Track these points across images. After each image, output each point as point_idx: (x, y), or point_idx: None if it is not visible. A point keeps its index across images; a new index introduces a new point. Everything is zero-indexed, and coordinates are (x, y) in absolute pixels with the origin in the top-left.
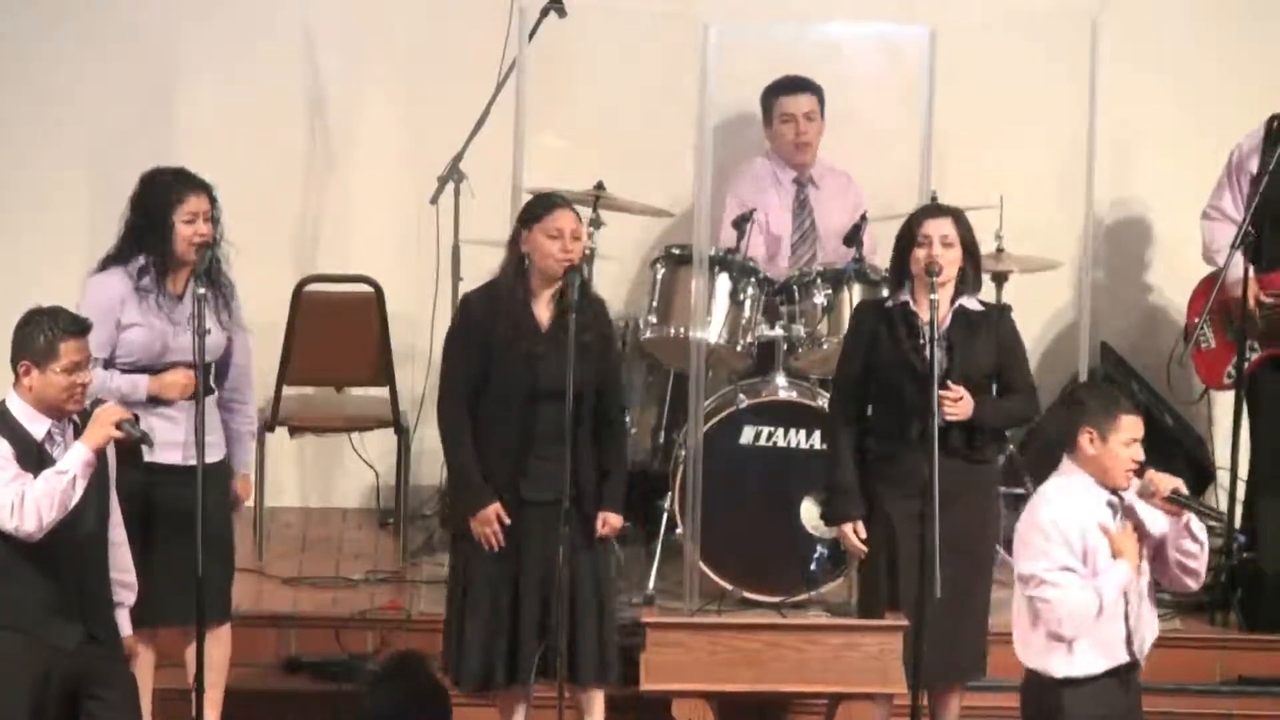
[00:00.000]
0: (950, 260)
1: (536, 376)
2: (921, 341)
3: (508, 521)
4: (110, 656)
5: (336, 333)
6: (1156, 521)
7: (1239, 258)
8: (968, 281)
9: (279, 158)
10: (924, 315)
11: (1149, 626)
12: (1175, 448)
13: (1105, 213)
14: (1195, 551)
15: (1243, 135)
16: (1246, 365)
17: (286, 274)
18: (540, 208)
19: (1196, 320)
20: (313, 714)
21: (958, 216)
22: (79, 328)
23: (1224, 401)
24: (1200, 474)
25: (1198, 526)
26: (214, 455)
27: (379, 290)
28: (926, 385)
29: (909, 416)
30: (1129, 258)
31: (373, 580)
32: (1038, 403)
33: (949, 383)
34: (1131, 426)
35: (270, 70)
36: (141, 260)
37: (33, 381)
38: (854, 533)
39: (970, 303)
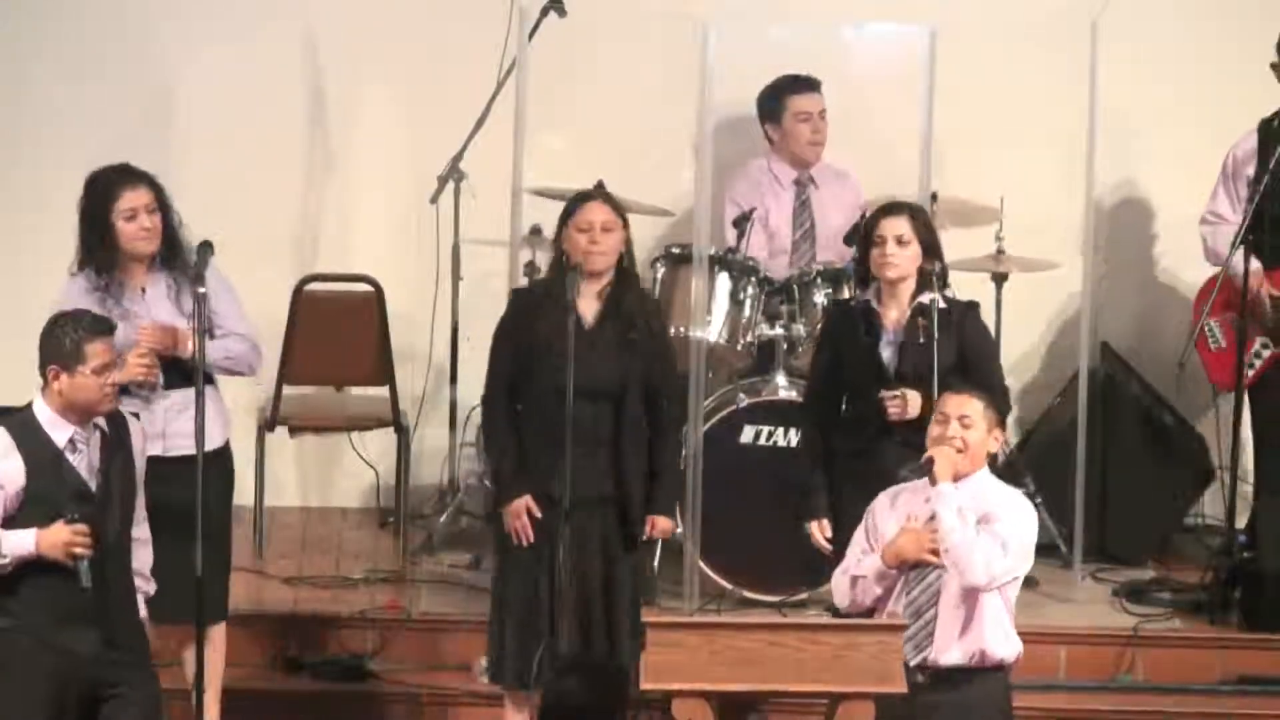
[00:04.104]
0: (905, 259)
1: (575, 375)
2: (883, 341)
3: (538, 515)
4: (130, 659)
5: (336, 332)
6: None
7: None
8: (929, 281)
9: (279, 158)
10: (887, 315)
11: (947, 642)
12: (1175, 448)
13: (1105, 212)
14: (940, 531)
15: (1237, 138)
16: (1259, 364)
17: (286, 274)
18: (573, 202)
19: (1201, 321)
20: (313, 714)
21: (915, 214)
22: (104, 328)
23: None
24: (1200, 474)
25: (937, 501)
26: (209, 443)
27: (379, 290)
28: (886, 385)
29: (874, 415)
30: (1129, 257)
31: (373, 580)
32: (1008, 400)
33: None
34: (940, 402)
35: (270, 70)
36: (96, 262)
37: (62, 385)
38: (819, 531)
39: (935, 300)
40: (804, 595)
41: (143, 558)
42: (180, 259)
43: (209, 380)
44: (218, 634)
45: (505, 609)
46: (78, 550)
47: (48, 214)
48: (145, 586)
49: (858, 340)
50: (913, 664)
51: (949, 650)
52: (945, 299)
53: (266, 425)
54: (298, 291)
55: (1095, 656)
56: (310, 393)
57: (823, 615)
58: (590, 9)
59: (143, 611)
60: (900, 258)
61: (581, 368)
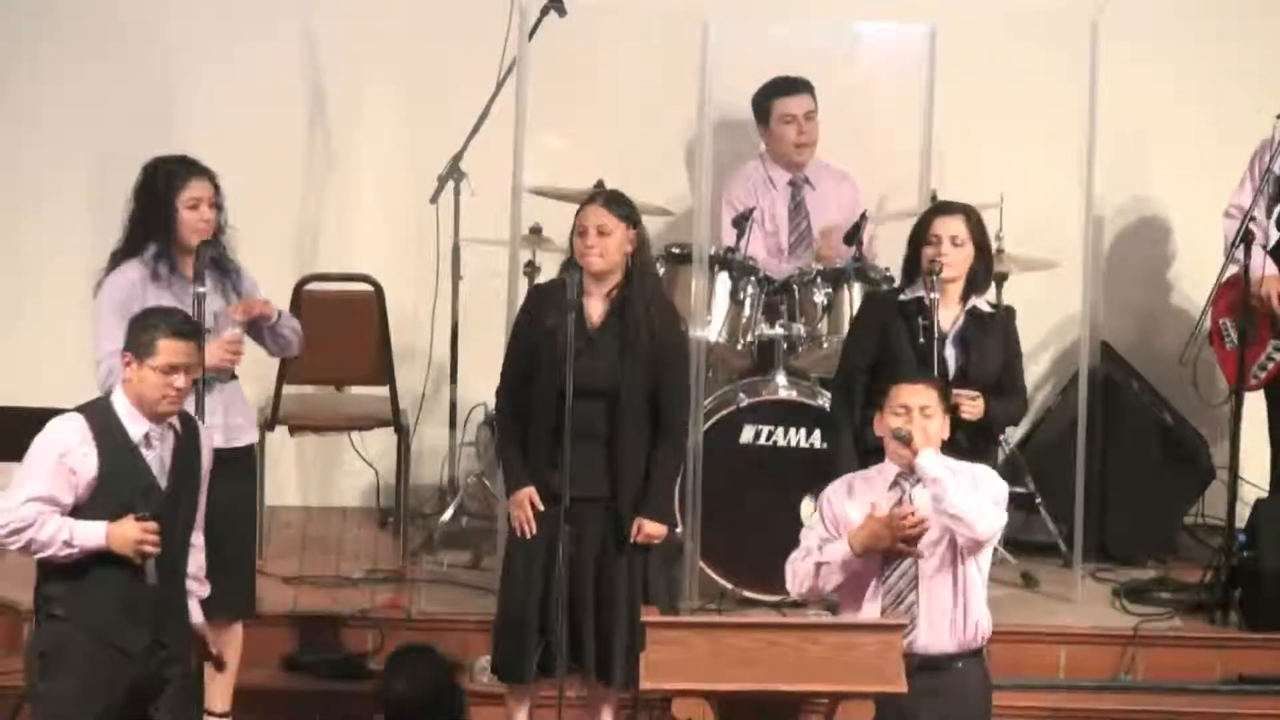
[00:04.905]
0: (959, 260)
1: (575, 374)
2: (935, 338)
3: (541, 508)
4: (175, 656)
5: (336, 332)
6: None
7: (1266, 256)
8: (978, 281)
9: (279, 157)
10: (940, 315)
11: (930, 627)
12: (1175, 448)
13: (1105, 212)
14: (939, 494)
15: (1251, 133)
16: (1271, 366)
17: (286, 274)
18: (580, 205)
19: (1221, 321)
20: (313, 713)
21: (970, 215)
22: (183, 329)
23: (1249, 401)
24: (1201, 474)
25: (926, 464)
26: (242, 439)
27: (379, 290)
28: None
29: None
30: (1129, 257)
31: (373, 579)
32: (1026, 402)
33: (965, 386)
34: (896, 394)
35: (270, 70)
36: (153, 248)
37: (132, 374)
38: None
39: (980, 303)
40: None
41: (197, 560)
42: (226, 258)
43: (233, 376)
44: (236, 628)
45: (505, 605)
46: (147, 549)
47: (48, 214)
48: (199, 590)
49: (911, 336)
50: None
51: (934, 630)
52: (989, 303)
53: (266, 425)
54: (298, 291)
55: (1095, 656)
56: (310, 392)
57: (823, 615)
58: (590, 9)
59: (197, 614)
60: (954, 258)
61: (580, 367)
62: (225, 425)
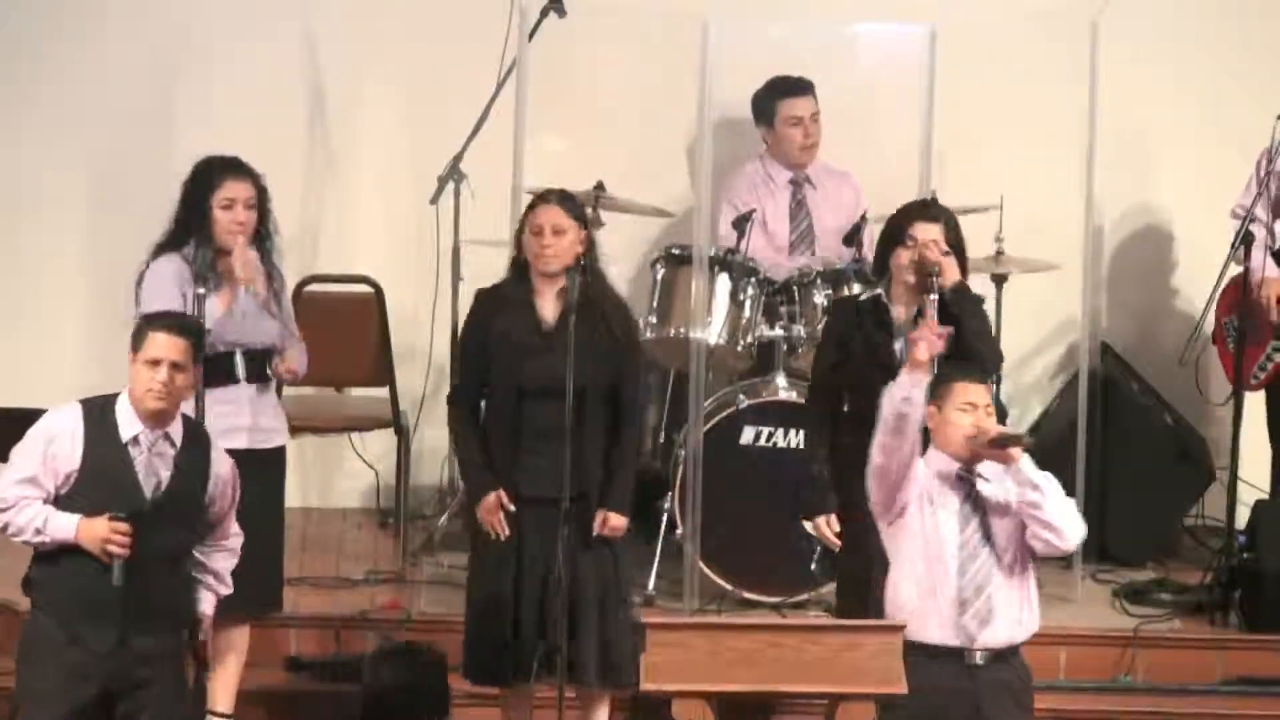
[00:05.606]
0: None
1: (535, 373)
2: (892, 335)
3: (511, 509)
4: (146, 662)
5: (336, 333)
6: (1007, 496)
7: (1267, 257)
8: (930, 283)
9: (279, 157)
10: (899, 313)
11: (1003, 619)
12: (1174, 448)
13: (1105, 213)
14: (1038, 500)
15: (1251, 133)
16: (1270, 367)
17: (287, 274)
18: (530, 205)
19: (1225, 321)
20: (313, 714)
21: (947, 221)
22: (173, 325)
23: (1249, 402)
24: (1201, 474)
25: (1029, 469)
26: (271, 442)
27: (379, 290)
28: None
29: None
30: (1129, 258)
31: (373, 580)
32: (1001, 353)
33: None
34: (963, 392)
35: (270, 71)
36: (192, 245)
37: (131, 370)
38: (827, 526)
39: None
40: (804, 596)
41: (226, 564)
42: (270, 263)
43: (266, 379)
44: (244, 631)
45: (475, 608)
46: (113, 549)
47: (47, 214)
48: (218, 588)
49: (868, 335)
50: (977, 643)
51: (1007, 622)
52: (942, 296)
53: None
54: (298, 291)
55: (1095, 657)
56: (310, 393)
57: (823, 616)
58: (590, 9)
59: (207, 606)
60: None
61: (541, 367)
62: (252, 428)
